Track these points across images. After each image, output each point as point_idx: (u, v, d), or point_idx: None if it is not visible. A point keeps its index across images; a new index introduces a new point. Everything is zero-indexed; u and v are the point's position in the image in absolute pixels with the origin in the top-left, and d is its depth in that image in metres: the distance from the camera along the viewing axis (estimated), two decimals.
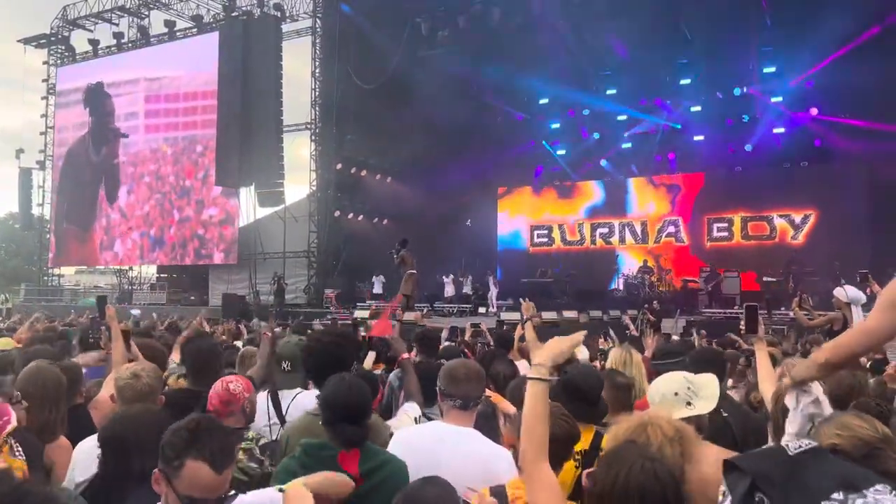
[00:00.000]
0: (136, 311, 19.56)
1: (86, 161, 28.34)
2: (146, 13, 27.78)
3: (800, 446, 1.42)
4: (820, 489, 1.33)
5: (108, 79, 27.65)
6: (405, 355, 4.16)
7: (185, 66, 25.35)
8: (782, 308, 16.81)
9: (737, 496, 1.45)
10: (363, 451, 2.56)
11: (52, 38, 29.74)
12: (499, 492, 2.42)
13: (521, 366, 5.71)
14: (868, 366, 5.74)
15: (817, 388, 2.41)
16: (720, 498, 1.54)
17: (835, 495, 1.33)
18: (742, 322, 3.29)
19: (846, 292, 6.97)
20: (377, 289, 22.49)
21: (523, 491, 2.33)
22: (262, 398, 3.73)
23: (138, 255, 27.22)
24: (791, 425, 2.39)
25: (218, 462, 1.96)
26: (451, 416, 2.95)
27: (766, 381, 3.35)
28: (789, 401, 2.43)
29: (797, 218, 21.98)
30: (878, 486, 1.34)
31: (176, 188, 25.79)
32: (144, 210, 26.60)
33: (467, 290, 21.76)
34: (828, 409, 2.43)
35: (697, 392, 2.64)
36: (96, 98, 28.03)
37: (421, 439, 2.87)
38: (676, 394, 2.62)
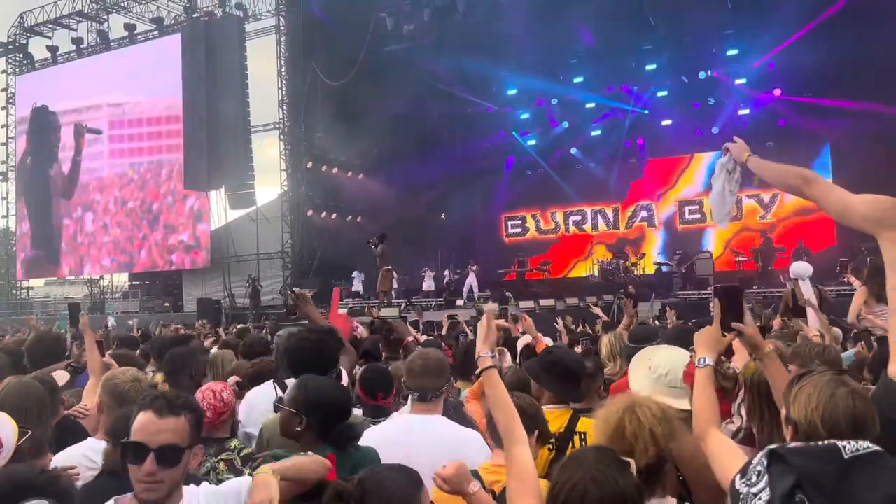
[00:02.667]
0: (111, 321, 19.33)
1: (42, 177, 27.97)
2: (105, 17, 27.30)
3: (856, 449, 1.30)
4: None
5: (70, 105, 27.14)
6: (410, 338, 4.17)
7: (148, 90, 25.08)
8: (754, 287, 17.13)
9: (778, 494, 1.35)
10: (338, 458, 2.48)
11: (10, 47, 29.12)
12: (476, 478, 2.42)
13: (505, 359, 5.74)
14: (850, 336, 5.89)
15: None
16: (753, 477, 1.41)
17: None
18: (715, 308, 2.45)
19: (791, 269, 7.13)
20: (356, 286, 22.40)
21: (498, 475, 2.36)
22: (269, 387, 3.78)
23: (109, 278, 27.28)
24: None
25: (158, 406, 2.02)
26: (415, 408, 2.99)
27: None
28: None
29: (766, 197, 22.30)
30: None
31: (144, 213, 25.57)
32: (112, 236, 26.35)
33: (450, 280, 21.82)
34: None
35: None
36: (41, 120, 27.64)
37: (390, 433, 2.90)
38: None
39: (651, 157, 24.25)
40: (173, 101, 24.18)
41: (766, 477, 1.30)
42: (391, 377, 3.83)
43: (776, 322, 6.64)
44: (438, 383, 2.97)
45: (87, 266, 27.15)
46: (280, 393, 3.59)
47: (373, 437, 2.93)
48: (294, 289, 4.17)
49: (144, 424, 2.00)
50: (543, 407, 3.10)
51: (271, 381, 3.83)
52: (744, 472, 1.35)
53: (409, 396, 3.04)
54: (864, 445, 1.26)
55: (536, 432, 2.53)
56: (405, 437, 2.78)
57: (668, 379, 2.57)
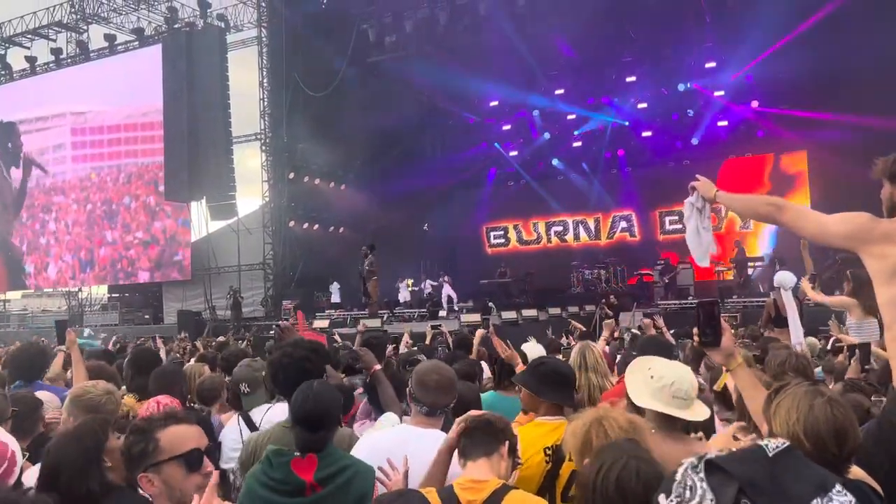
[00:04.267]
0: (87, 331, 19.08)
1: (5, 185, 28.03)
2: (85, 28, 27.08)
3: (776, 446, 1.35)
4: (801, 496, 1.29)
5: (34, 113, 27.42)
6: (377, 366, 4.12)
7: (125, 99, 25.33)
8: (734, 296, 17.28)
9: (724, 502, 1.41)
10: (321, 458, 2.55)
11: None
12: (448, 495, 2.36)
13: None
14: (829, 347, 5.94)
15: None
16: (686, 493, 1.44)
17: (814, 502, 1.28)
18: (695, 327, 2.50)
19: (776, 278, 7.18)
20: (335, 297, 22.32)
21: (474, 492, 2.31)
22: (234, 423, 3.77)
23: (70, 276, 27.22)
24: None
25: (181, 417, 2.17)
26: (417, 420, 2.97)
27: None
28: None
29: None
30: (838, 487, 1.31)
31: (104, 213, 25.96)
32: (73, 234, 26.66)
33: (430, 292, 21.83)
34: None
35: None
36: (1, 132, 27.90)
37: (385, 443, 2.88)
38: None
39: (633, 167, 24.42)
40: (137, 108, 24.57)
41: (700, 490, 1.35)
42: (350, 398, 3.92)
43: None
44: (448, 399, 2.97)
45: (51, 265, 27.27)
46: (244, 427, 3.64)
47: (367, 444, 2.94)
48: (279, 322, 4.19)
49: (188, 434, 2.12)
50: (539, 419, 3.09)
51: (237, 416, 3.80)
52: (667, 489, 1.38)
53: (413, 407, 3.01)
54: (780, 442, 1.34)
55: (507, 443, 2.53)
56: (400, 448, 2.77)
57: (673, 389, 2.57)
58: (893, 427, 2.20)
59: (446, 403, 2.96)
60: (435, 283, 22.07)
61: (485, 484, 2.32)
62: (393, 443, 2.86)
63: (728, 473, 1.35)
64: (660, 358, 2.93)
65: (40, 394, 3.87)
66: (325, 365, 3.30)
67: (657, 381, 2.60)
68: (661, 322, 8.77)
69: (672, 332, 8.33)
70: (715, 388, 3.70)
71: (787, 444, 1.35)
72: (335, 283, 22.29)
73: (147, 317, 24.73)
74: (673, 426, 2.57)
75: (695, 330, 2.45)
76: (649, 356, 2.99)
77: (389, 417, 3.59)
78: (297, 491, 2.47)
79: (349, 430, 3.39)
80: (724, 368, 2.59)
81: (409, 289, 22.69)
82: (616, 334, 8.18)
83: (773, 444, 1.34)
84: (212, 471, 2.05)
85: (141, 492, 2.12)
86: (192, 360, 6.39)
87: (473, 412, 2.57)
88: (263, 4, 23.43)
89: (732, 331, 2.72)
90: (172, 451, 2.04)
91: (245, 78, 24.41)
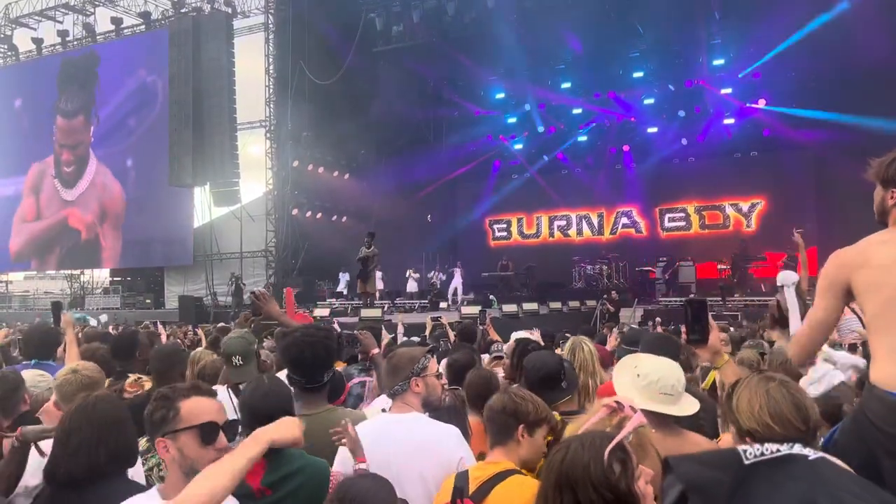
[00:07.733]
0: (104, 317, 19.10)
1: None
2: (91, 10, 27.05)
3: (761, 454, 1.18)
4: None
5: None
6: (375, 350, 4.15)
7: (131, 83, 25.43)
8: (736, 295, 17.26)
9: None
10: (270, 461, 2.43)
11: None
12: (462, 475, 2.46)
13: (484, 359, 5.74)
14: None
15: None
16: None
17: None
18: (684, 327, 2.69)
19: (778, 277, 7.15)
20: (341, 286, 22.28)
21: (481, 471, 2.43)
22: (224, 395, 3.68)
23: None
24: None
25: (204, 391, 2.16)
26: (394, 406, 3.02)
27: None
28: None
29: (745, 206, 22.55)
30: None
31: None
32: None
33: (444, 280, 21.81)
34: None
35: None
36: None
37: (366, 436, 2.88)
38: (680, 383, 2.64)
39: (638, 163, 24.37)
40: (143, 90, 24.56)
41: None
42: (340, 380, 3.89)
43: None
44: (392, 381, 2.99)
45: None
46: (235, 399, 3.51)
47: None
48: (255, 290, 4.13)
49: (205, 407, 2.11)
50: None
51: (226, 388, 3.68)
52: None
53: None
54: (772, 449, 1.17)
55: (521, 426, 2.57)
56: (381, 439, 2.78)
57: (659, 385, 2.58)
58: (867, 418, 2.35)
59: (390, 385, 3.00)
60: (444, 276, 22.00)
61: (494, 465, 2.46)
62: (373, 435, 2.85)
63: (675, 474, 1.23)
64: (646, 355, 2.92)
65: (27, 373, 3.85)
66: (335, 351, 3.29)
67: (643, 380, 2.61)
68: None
69: (673, 327, 8.33)
70: (703, 386, 3.70)
71: (783, 453, 1.20)
72: (346, 273, 22.20)
73: (148, 301, 24.77)
74: (667, 422, 2.58)
75: (682, 328, 2.55)
76: (635, 354, 2.99)
77: (385, 399, 3.57)
78: (244, 496, 2.28)
79: (357, 413, 3.37)
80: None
81: (412, 279, 22.65)
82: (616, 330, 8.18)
83: (756, 451, 1.18)
84: (226, 447, 2.08)
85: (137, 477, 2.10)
86: (201, 348, 6.36)
87: None
88: None
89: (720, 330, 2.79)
90: (189, 422, 2.06)
91: (251, 65, 24.35)
